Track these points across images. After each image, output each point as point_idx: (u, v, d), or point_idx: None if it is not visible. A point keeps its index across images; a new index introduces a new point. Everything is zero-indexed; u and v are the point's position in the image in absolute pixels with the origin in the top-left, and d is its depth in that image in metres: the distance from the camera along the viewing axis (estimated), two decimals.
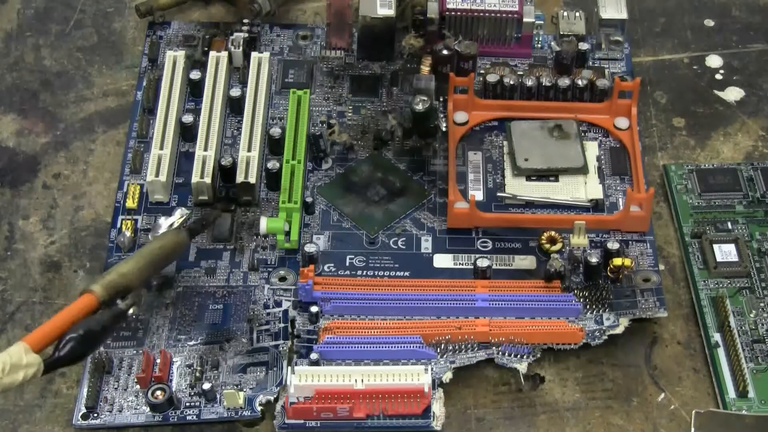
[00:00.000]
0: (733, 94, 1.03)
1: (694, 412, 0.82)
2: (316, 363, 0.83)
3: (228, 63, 1.00)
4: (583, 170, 0.95)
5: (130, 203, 0.93)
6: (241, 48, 1.01)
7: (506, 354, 0.85)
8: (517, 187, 0.94)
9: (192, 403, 0.82)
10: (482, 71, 1.02)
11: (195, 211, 0.93)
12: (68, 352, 0.76)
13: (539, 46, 1.05)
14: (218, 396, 0.83)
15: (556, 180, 0.95)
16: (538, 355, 0.85)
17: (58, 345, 0.76)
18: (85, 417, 0.82)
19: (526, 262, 0.90)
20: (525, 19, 1.02)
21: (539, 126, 0.97)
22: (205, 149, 0.94)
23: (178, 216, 0.90)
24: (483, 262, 0.89)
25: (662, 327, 0.88)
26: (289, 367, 0.82)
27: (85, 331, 0.77)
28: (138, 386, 0.83)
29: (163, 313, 0.87)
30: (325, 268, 0.90)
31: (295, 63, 1.03)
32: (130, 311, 0.80)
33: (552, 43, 1.03)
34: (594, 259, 0.88)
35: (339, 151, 0.97)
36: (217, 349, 0.85)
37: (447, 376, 0.84)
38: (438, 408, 0.82)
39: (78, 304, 0.78)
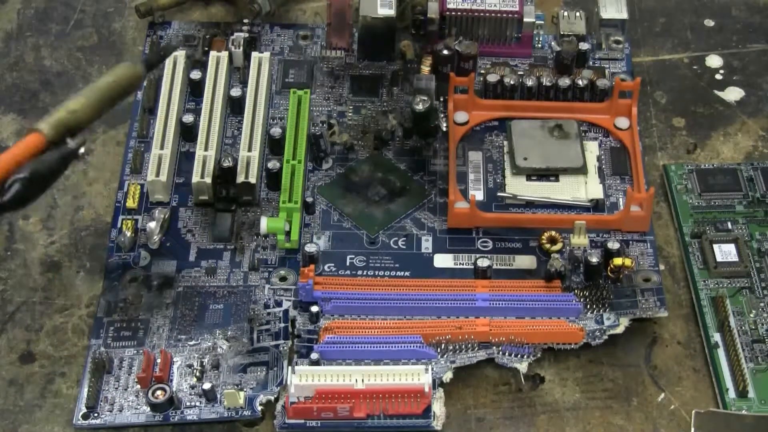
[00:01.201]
0: (733, 94, 1.03)
1: (694, 412, 0.82)
2: (316, 363, 0.83)
3: (228, 63, 1.00)
4: (581, 170, 0.95)
5: (131, 203, 0.93)
6: (241, 48, 1.01)
7: (506, 354, 0.85)
8: (517, 187, 0.94)
9: (192, 403, 0.83)
10: (482, 71, 1.02)
11: (196, 211, 0.93)
12: (13, 195, 0.71)
13: (539, 46, 1.05)
14: (218, 396, 0.83)
15: (557, 180, 0.95)
16: (539, 355, 0.85)
17: (2, 188, 0.71)
18: (85, 417, 0.82)
19: (527, 262, 0.90)
20: (525, 19, 1.02)
21: (540, 125, 0.97)
22: (206, 149, 0.94)
23: (158, 215, 0.90)
24: (483, 262, 0.89)
25: (662, 327, 0.88)
26: (290, 367, 0.82)
27: (32, 172, 0.71)
28: (138, 386, 0.83)
29: (164, 313, 0.87)
30: (326, 268, 0.90)
31: (295, 63, 1.03)
32: (81, 150, 0.75)
33: (552, 43, 1.03)
34: (594, 259, 0.88)
35: (339, 151, 0.97)
36: None
37: (447, 376, 0.84)
38: (438, 408, 0.82)
39: (23, 144, 0.72)
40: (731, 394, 0.83)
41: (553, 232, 0.91)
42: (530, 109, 0.99)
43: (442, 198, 0.94)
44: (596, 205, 0.94)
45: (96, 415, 0.82)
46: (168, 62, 0.99)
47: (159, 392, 0.82)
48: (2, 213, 0.73)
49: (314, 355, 0.83)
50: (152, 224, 0.90)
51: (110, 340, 0.86)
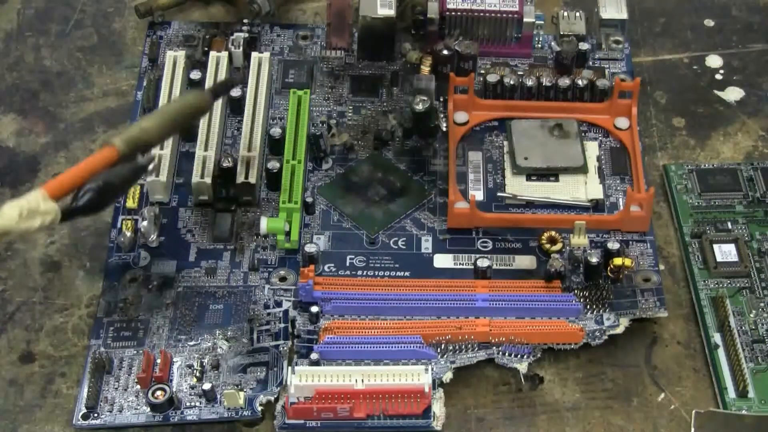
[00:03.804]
0: (733, 94, 1.03)
1: (694, 412, 0.82)
2: (316, 363, 0.83)
3: (228, 63, 1.00)
4: (582, 170, 0.95)
5: (131, 203, 0.93)
6: (241, 48, 1.01)
7: (506, 354, 0.85)
8: (517, 187, 0.94)
9: (192, 404, 0.82)
10: (482, 71, 1.02)
11: (196, 211, 0.93)
12: (86, 201, 0.76)
13: (539, 46, 1.05)
14: (218, 396, 0.83)
15: (557, 180, 0.95)
16: (539, 355, 0.85)
17: (77, 195, 0.76)
18: (85, 417, 0.82)
19: (527, 262, 0.90)
20: (525, 19, 1.02)
21: (540, 125, 0.97)
22: (206, 149, 0.94)
23: (147, 214, 0.90)
24: (483, 262, 0.89)
25: (662, 327, 0.88)
26: (290, 367, 0.82)
27: (105, 182, 0.77)
28: (138, 386, 0.83)
29: (164, 313, 0.87)
30: (326, 268, 0.90)
31: (295, 63, 1.03)
32: (150, 166, 0.80)
33: (552, 43, 1.03)
34: (594, 259, 0.88)
35: (339, 151, 0.97)
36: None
37: (447, 376, 0.84)
38: (438, 408, 0.82)
39: (98, 155, 0.77)
40: (731, 394, 0.83)
41: (553, 232, 0.91)
42: (530, 109, 0.99)
43: (442, 198, 0.94)
44: (596, 205, 0.94)
45: (96, 415, 0.82)
46: (168, 62, 0.99)
47: (159, 392, 0.82)
48: (75, 217, 0.78)
49: (314, 356, 0.83)
50: (145, 223, 0.90)
51: (110, 340, 0.86)
